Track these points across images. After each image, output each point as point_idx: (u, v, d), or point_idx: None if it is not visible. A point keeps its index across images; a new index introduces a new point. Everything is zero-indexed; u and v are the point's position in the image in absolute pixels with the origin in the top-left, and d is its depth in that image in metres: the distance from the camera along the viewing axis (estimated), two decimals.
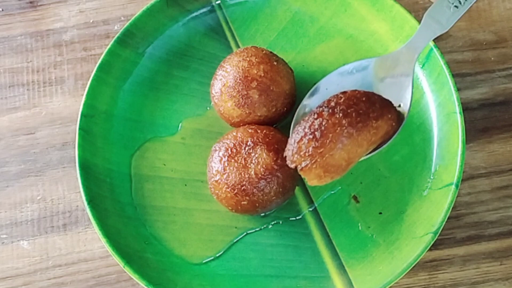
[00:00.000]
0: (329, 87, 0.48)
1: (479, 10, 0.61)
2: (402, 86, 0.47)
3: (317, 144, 0.43)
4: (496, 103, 0.58)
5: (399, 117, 0.47)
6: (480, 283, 0.53)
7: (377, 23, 0.57)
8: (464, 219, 0.55)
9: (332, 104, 0.44)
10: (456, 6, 0.46)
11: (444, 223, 0.50)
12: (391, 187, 0.54)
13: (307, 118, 0.44)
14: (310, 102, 0.48)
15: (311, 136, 0.43)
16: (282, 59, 0.54)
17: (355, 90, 0.46)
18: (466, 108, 0.57)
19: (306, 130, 0.44)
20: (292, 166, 0.44)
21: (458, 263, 0.54)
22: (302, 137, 0.44)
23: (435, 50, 0.54)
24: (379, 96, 0.46)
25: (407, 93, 0.47)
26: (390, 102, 0.46)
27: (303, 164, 0.44)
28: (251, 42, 0.58)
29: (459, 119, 0.52)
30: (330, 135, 0.43)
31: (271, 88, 0.52)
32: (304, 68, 0.57)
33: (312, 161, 0.43)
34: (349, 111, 0.44)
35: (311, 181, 0.44)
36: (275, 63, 0.53)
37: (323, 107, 0.44)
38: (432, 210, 0.51)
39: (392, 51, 0.56)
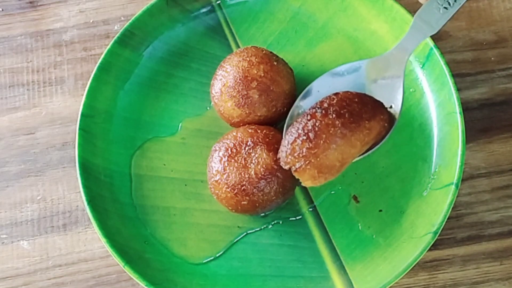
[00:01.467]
0: (321, 89, 0.48)
1: (479, 10, 0.61)
2: (393, 88, 0.47)
3: (310, 145, 0.44)
4: (496, 103, 0.58)
5: (390, 118, 0.47)
6: (480, 283, 0.53)
7: (377, 23, 0.57)
8: (464, 219, 0.55)
9: (325, 105, 0.44)
10: (445, 8, 0.46)
11: (444, 223, 0.50)
12: (391, 187, 0.54)
13: (300, 119, 0.45)
14: (303, 104, 0.48)
15: (304, 137, 0.44)
16: (282, 59, 0.54)
17: (348, 92, 0.46)
18: (466, 108, 0.57)
19: (300, 131, 0.44)
20: (286, 167, 0.45)
21: (458, 263, 0.54)
22: (295, 138, 0.44)
23: (435, 50, 0.54)
24: (371, 97, 0.46)
25: (398, 94, 0.47)
26: (382, 104, 0.47)
27: (297, 165, 0.44)
28: (251, 42, 0.58)
29: (459, 119, 0.52)
30: (324, 135, 0.43)
31: (271, 88, 0.52)
32: (304, 68, 0.57)
33: (306, 162, 0.44)
34: (342, 112, 0.44)
35: (306, 182, 0.45)
36: (275, 63, 0.53)
37: (316, 108, 0.44)
38: (432, 210, 0.51)
39: None
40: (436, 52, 0.54)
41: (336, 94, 0.46)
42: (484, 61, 0.59)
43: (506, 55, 0.59)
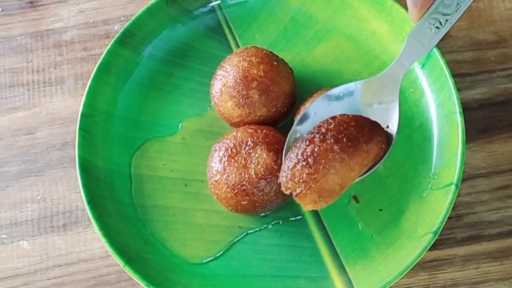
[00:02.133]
0: (318, 111, 0.49)
1: (479, 10, 0.61)
2: (389, 109, 0.48)
3: (310, 170, 0.44)
4: (496, 103, 0.58)
5: (388, 138, 0.47)
6: (480, 283, 0.53)
7: (377, 23, 0.57)
8: (464, 219, 0.55)
9: (323, 130, 0.45)
10: (437, 27, 0.46)
11: (444, 223, 0.50)
12: (391, 187, 0.54)
13: (299, 144, 0.45)
14: (300, 128, 0.49)
15: (304, 163, 0.44)
16: (282, 59, 0.54)
17: (344, 115, 0.47)
18: (466, 108, 0.57)
19: (299, 156, 0.45)
20: (287, 192, 0.45)
21: (458, 263, 0.54)
22: (295, 163, 0.45)
23: (435, 50, 0.54)
24: (368, 119, 0.47)
25: (394, 114, 0.48)
26: (379, 124, 0.47)
27: (298, 190, 0.44)
28: (251, 42, 0.58)
29: (459, 119, 0.52)
30: (323, 161, 0.44)
31: (271, 88, 0.52)
32: (304, 68, 0.57)
33: (307, 187, 0.44)
34: (339, 136, 0.45)
35: (306, 206, 0.45)
36: (275, 63, 0.53)
37: (314, 133, 0.45)
38: (432, 210, 0.51)
39: (391, 52, 0.56)
40: (436, 52, 0.54)
41: (333, 118, 0.46)
42: (484, 61, 0.59)
43: (506, 55, 0.59)
